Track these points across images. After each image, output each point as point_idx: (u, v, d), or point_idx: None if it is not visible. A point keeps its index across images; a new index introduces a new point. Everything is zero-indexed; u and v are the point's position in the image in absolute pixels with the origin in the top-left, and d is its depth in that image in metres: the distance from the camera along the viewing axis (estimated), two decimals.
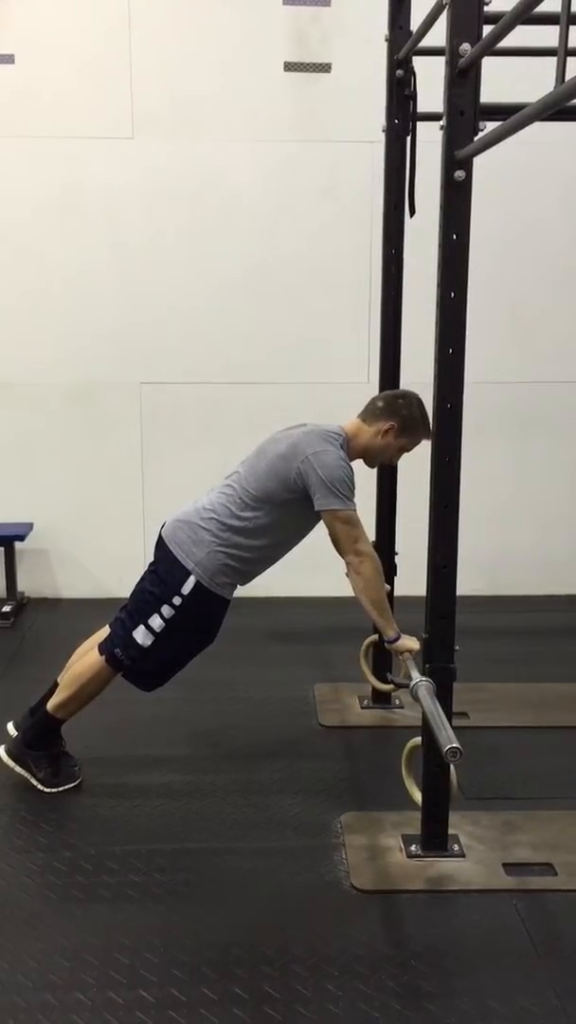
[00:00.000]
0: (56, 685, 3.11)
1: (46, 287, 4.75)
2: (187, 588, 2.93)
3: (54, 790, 3.06)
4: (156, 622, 2.94)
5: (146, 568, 3.09)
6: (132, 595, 3.04)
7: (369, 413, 3.10)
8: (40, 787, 3.06)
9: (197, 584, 2.93)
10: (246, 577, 3.04)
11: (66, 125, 4.63)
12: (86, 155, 4.65)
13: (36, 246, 4.73)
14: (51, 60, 4.58)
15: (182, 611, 2.94)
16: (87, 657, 3.05)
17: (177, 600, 2.93)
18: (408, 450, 3.13)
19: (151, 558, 3.08)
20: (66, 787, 3.07)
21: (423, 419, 3.01)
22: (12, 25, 4.54)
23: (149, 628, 2.95)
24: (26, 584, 4.97)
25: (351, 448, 3.02)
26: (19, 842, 2.81)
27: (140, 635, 2.95)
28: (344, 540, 2.92)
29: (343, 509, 2.90)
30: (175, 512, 3.08)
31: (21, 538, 4.80)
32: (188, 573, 2.93)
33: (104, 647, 3.01)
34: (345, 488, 2.91)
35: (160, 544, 3.04)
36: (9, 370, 4.83)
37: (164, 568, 2.98)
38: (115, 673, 3.01)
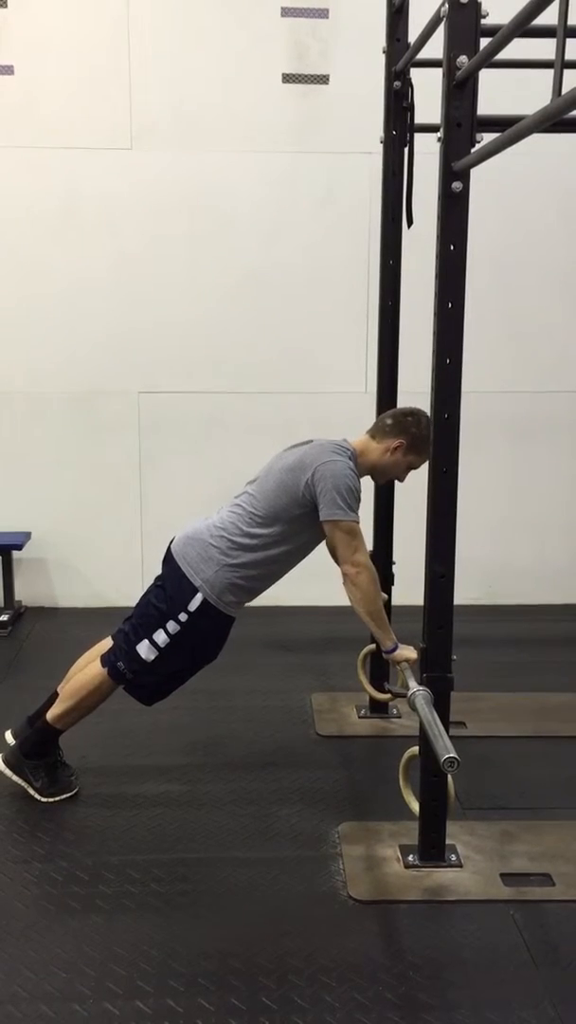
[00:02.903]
0: (56, 695, 3.11)
1: (45, 296, 4.76)
2: (194, 605, 2.93)
3: (51, 800, 3.05)
4: (161, 637, 2.94)
5: (152, 582, 3.09)
6: (137, 609, 3.04)
7: (378, 430, 3.11)
8: (37, 797, 3.05)
9: (204, 601, 2.93)
10: (252, 594, 3.05)
11: (65, 135, 4.64)
12: (85, 165, 4.66)
13: (35, 255, 4.73)
14: (50, 70, 4.59)
15: (187, 628, 2.94)
16: (89, 669, 3.04)
17: (183, 616, 2.93)
18: (416, 467, 3.13)
19: (149, 567, 3.09)
20: (63, 797, 3.07)
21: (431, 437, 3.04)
22: (11, 35, 4.55)
23: (153, 643, 2.95)
24: (23, 593, 4.97)
25: (360, 464, 3.03)
26: (15, 852, 2.80)
27: (144, 649, 2.95)
28: (343, 550, 2.93)
29: (346, 520, 2.90)
30: (184, 528, 3.08)
31: (19, 547, 4.80)
32: (196, 590, 2.93)
33: (106, 659, 3.00)
34: (351, 499, 2.92)
35: (168, 559, 3.04)
36: (7, 379, 4.83)
37: (172, 584, 2.98)
38: (116, 685, 3.01)
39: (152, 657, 2.95)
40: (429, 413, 2.58)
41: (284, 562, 3.04)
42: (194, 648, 2.99)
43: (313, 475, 2.92)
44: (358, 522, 2.94)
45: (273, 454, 3.17)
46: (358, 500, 2.96)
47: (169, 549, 3.06)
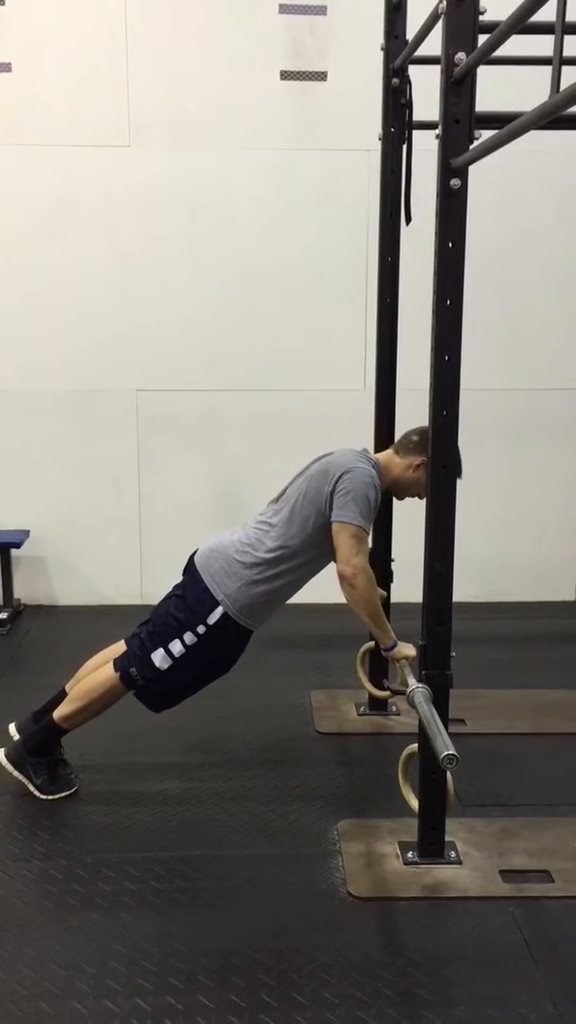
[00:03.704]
0: (63, 693, 3.12)
1: (43, 294, 4.75)
2: (213, 618, 2.94)
3: (51, 797, 3.05)
4: (176, 647, 2.94)
5: (171, 590, 3.09)
6: (154, 616, 3.04)
7: (402, 446, 3.12)
8: (37, 794, 3.05)
9: (224, 615, 2.94)
10: (275, 607, 3.06)
11: (63, 133, 4.64)
12: (83, 163, 4.66)
13: (32, 254, 4.73)
14: (48, 68, 4.59)
15: (204, 640, 2.94)
16: (101, 672, 3.04)
17: (201, 629, 2.94)
18: None
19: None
20: (63, 794, 3.07)
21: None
22: (9, 33, 4.55)
23: (168, 652, 2.95)
24: (22, 591, 4.97)
25: (382, 478, 3.04)
26: (15, 850, 2.80)
27: (158, 658, 2.95)
28: (345, 551, 2.91)
29: (355, 524, 2.90)
30: (209, 541, 3.08)
31: (17, 545, 4.80)
32: (217, 604, 2.94)
33: (120, 664, 3.00)
34: (365, 508, 2.92)
35: (191, 570, 3.04)
36: (5, 377, 4.83)
37: (192, 595, 2.98)
38: (127, 691, 3.01)
39: (166, 666, 2.95)
40: (428, 410, 2.57)
41: (308, 573, 3.05)
42: (208, 660, 2.99)
43: (335, 481, 2.94)
44: (367, 532, 2.93)
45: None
46: (373, 511, 2.97)
47: (192, 560, 3.07)
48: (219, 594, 2.94)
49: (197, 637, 2.94)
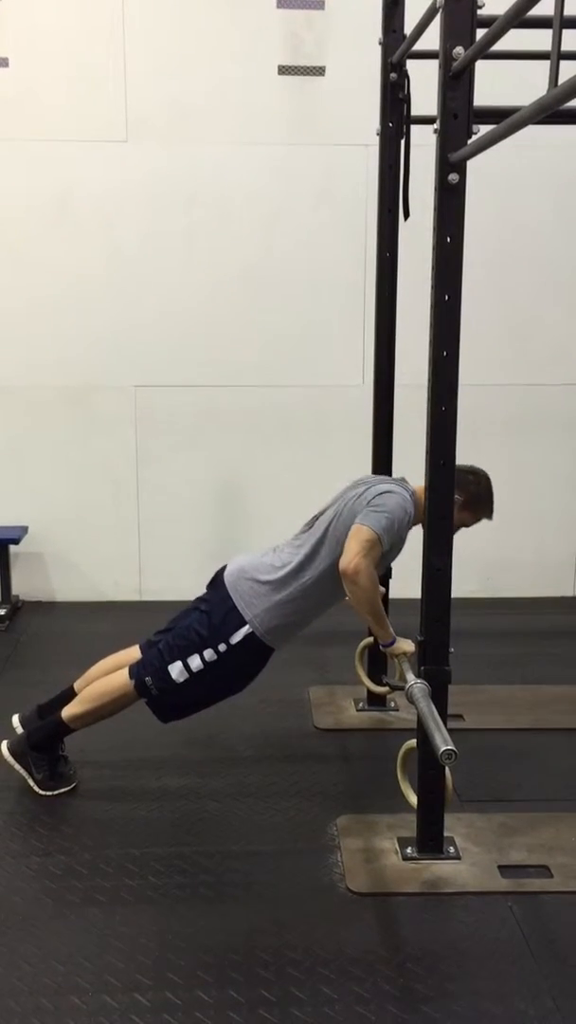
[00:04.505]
0: (70, 690, 3.12)
1: (40, 290, 4.74)
2: (237, 638, 2.93)
3: (50, 793, 3.05)
4: (195, 662, 2.94)
5: (193, 602, 3.07)
6: (176, 628, 3.02)
7: None
8: (36, 789, 3.05)
9: (250, 635, 2.93)
10: (301, 628, 3.06)
11: (60, 128, 4.62)
12: (80, 158, 4.65)
13: (30, 249, 4.72)
14: (45, 63, 4.57)
15: (225, 658, 2.94)
16: (115, 677, 3.03)
17: (223, 647, 2.93)
18: (468, 526, 3.12)
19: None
20: (62, 790, 3.07)
21: (489, 499, 3.10)
22: (6, 28, 4.53)
23: (187, 666, 2.94)
24: (21, 587, 4.96)
25: (416, 509, 2.99)
26: (14, 846, 2.80)
27: (175, 671, 2.94)
28: (353, 550, 2.84)
29: (374, 531, 2.85)
30: (239, 559, 3.07)
31: (16, 541, 4.79)
32: (244, 623, 2.93)
33: (135, 672, 2.99)
34: (390, 524, 2.86)
35: (218, 586, 3.03)
36: (2, 373, 4.82)
37: (218, 613, 2.96)
38: (139, 698, 3.01)
39: (182, 680, 2.94)
40: (426, 405, 2.57)
41: (336, 596, 3.04)
42: (225, 678, 2.99)
43: (371, 498, 2.92)
44: (382, 545, 2.86)
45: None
46: (397, 534, 2.89)
47: (220, 576, 3.05)
48: (248, 614, 2.93)
49: (217, 655, 2.93)
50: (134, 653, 3.08)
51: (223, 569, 3.08)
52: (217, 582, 3.05)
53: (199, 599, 3.08)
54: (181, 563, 4.90)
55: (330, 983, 2.24)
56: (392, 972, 2.28)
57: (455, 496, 2.99)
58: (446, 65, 2.36)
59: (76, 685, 3.15)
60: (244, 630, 2.93)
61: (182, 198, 4.72)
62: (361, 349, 4.77)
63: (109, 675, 3.05)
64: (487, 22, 2.26)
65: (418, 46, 3.10)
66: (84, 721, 3.04)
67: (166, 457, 4.92)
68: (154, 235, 4.74)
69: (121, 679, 3.00)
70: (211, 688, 3.00)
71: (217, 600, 3.00)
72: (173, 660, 2.95)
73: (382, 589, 3.30)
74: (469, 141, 2.39)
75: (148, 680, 2.96)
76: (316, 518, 3.09)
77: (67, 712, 3.04)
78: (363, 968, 2.29)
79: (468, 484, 3.06)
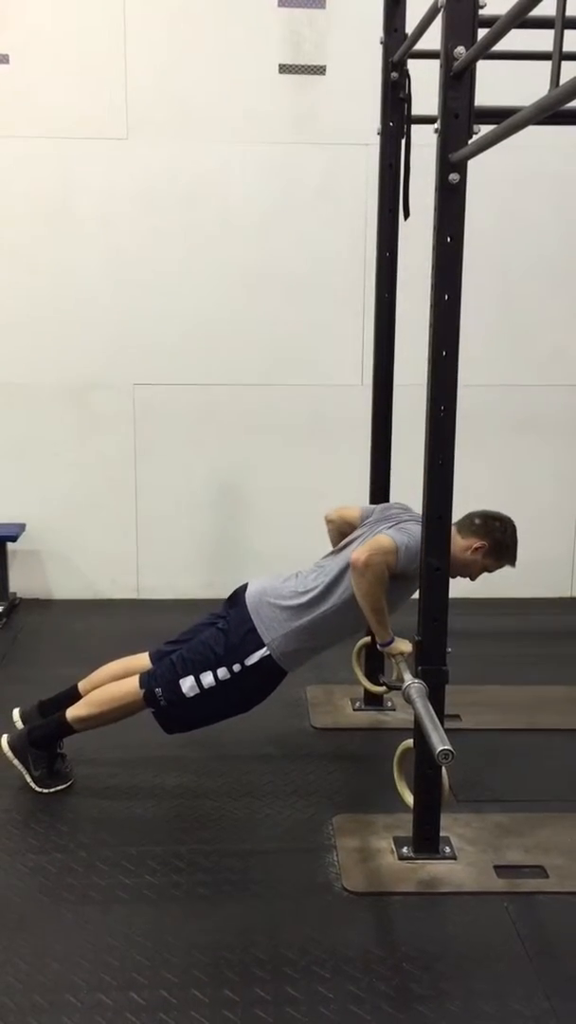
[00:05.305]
0: (75, 689, 3.12)
1: (39, 288, 4.74)
2: (253, 660, 2.93)
3: (47, 790, 3.05)
4: (208, 679, 2.94)
5: (209, 618, 3.08)
6: (191, 643, 3.02)
7: (465, 526, 3.07)
8: (33, 786, 3.05)
9: (266, 658, 2.94)
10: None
11: (60, 126, 4.62)
12: (80, 156, 4.64)
13: (29, 247, 4.72)
14: (45, 61, 4.57)
15: (238, 678, 2.94)
16: (124, 683, 3.02)
17: (237, 667, 2.93)
18: (490, 571, 3.13)
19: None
20: (58, 788, 3.07)
21: (513, 547, 3.08)
22: (7, 25, 4.53)
23: (199, 682, 2.94)
24: (18, 585, 4.96)
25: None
26: (10, 843, 2.80)
27: (187, 685, 2.94)
28: (369, 547, 2.84)
29: (395, 542, 2.84)
30: (260, 580, 3.06)
31: (13, 539, 4.79)
32: (262, 646, 2.94)
33: (145, 681, 2.98)
34: (414, 544, 2.80)
35: (239, 605, 3.02)
36: (2, 371, 4.82)
37: (237, 633, 2.96)
38: (146, 708, 3.00)
39: (193, 695, 2.94)
40: (425, 406, 2.57)
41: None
42: (235, 698, 2.99)
43: (398, 521, 2.93)
44: (397, 559, 2.83)
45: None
46: (414, 560, 2.79)
47: (241, 596, 3.04)
48: (267, 637, 2.94)
49: (231, 674, 2.93)
50: (143, 660, 3.08)
51: (243, 588, 3.07)
52: (237, 601, 3.04)
53: (216, 615, 3.08)
54: (178, 562, 4.90)
55: (325, 982, 2.24)
56: (388, 971, 2.28)
57: (480, 541, 3.01)
58: (447, 65, 2.36)
59: (81, 686, 3.15)
60: (261, 652, 2.93)
61: (182, 196, 4.72)
62: (360, 348, 4.77)
63: (118, 681, 3.05)
64: (488, 22, 2.26)
65: (419, 46, 3.09)
66: (88, 724, 3.04)
67: (164, 456, 4.92)
68: (153, 233, 4.74)
69: (130, 687, 2.99)
70: (220, 706, 3.00)
71: (237, 620, 2.99)
72: (186, 674, 2.94)
73: None
74: (470, 141, 2.39)
75: (158, 691, 2.96)
76: (343, 547, 3.09)
77: (72, 713, 3.04)
78: (359, 967, 2.29)
79: (494, 531, 3.06)
